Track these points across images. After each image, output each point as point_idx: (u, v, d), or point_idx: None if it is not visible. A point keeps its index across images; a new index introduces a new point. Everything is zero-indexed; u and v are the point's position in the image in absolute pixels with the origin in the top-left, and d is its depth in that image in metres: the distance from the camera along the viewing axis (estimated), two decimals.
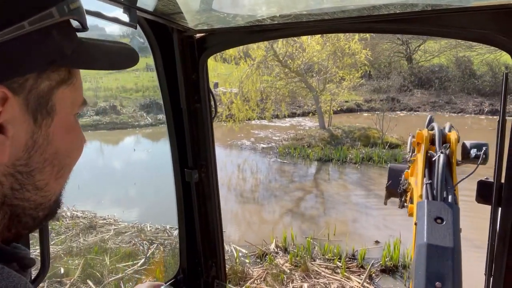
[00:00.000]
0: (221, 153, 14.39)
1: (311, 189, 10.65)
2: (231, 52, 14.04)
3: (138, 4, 1.23)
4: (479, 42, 1.36)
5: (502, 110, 1.21)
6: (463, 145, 1.38)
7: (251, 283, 5.57)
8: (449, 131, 1.41)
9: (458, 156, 1.38)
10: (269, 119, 18.44)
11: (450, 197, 1.17)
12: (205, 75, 1.82)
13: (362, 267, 5.99)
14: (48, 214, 0.56)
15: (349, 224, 8.00)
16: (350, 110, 23.29)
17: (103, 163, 14.07)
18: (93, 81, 26.90)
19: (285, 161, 13.29)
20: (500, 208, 1.26)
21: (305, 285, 5.50)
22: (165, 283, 1.20)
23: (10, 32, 0.43)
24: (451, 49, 27.27)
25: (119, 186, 10.93)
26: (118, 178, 11.93)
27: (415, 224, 1.13)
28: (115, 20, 1.15)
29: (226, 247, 6.55)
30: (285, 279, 5.63)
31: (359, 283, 5.47)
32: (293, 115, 21.85)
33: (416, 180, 1.35)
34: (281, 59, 15.24)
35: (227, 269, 5.75)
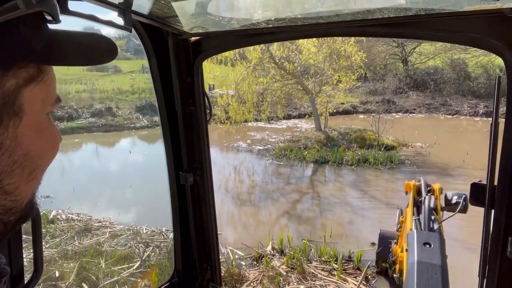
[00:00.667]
0: (217, 155, 14.37)
1: (308, 191, 10.65)
2: (227, 54, 14.03)
3: (133, 8, 1.23)
4: (471, 46, 1.38)
5: (495, 113, 1.23)
6: (445, 196, 1.66)
7: (247, 286, 5.56)
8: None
9: (442, 203, 1.69)
10: (265, 121, 18.47)
11: (436, 227, 1.39)
12: (200, 78, 1.82)
13: (358, 269, 5.99)
14: (21, 218, 0.53)
15: (345, 226, 8.01)
16: (346, 112, 23.40)
17: (99, 165, 14.01)
18: (89, 83, 26.86)
19: (281, 163, 13.30)
20: (493, 210, 1.27)
21: (302, 287, 5.50)
22: None
23: None
24: (446, 52, 27.48)
25: (115, 189, 10.87)
26: (113, 180, 11.86)
27: (406, 250, 1.27)
28: (110, 24, 1.15)
29: (223, 250, 6.53)
30: (282, 281, 5.63)
31: (355, 285, 5.47)
32: (289, 117, 21.91)
33: (405, 225, 1.69)
34: (277, 61, 15.27)
35: (223, 272, 5.75)
